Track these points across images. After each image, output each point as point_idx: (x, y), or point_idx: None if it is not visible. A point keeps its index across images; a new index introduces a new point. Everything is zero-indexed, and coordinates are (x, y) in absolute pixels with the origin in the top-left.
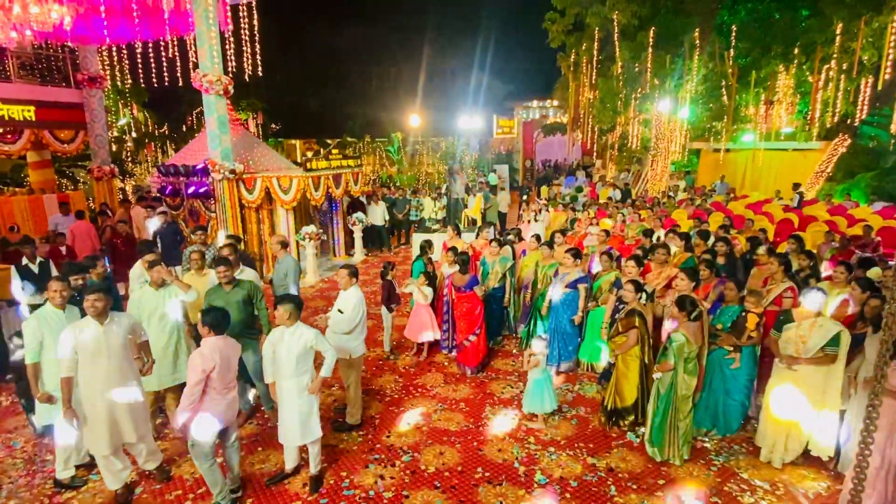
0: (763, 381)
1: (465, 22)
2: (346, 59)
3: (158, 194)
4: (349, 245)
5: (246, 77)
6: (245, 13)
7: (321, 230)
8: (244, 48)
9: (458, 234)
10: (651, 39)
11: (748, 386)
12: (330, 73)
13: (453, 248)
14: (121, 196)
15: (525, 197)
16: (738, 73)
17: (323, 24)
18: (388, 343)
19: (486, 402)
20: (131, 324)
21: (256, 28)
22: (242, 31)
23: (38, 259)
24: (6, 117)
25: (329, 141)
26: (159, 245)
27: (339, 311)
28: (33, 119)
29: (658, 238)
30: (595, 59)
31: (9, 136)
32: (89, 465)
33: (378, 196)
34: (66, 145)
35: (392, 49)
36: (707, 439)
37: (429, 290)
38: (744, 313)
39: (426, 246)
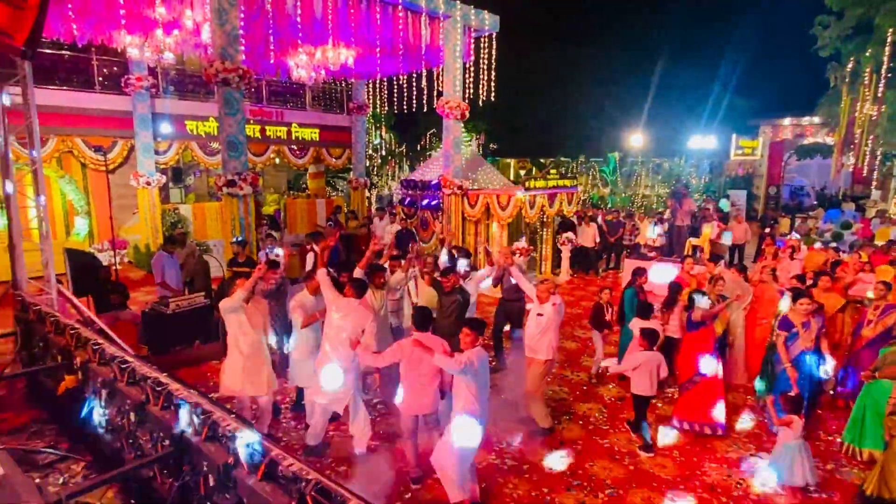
0: None
1: (701, 34)
2: (568, 79)
3: (396, 204)
4: (555, 263)
5: (480, 102)
6: (486, 44)
7: (531, 246)
8: (481, 76)
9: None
10: None
11: None
12: (550, 93)
13: (673, 284)
14: (367, 203)
15: (769, 230)
16: None
17: (547, 45)
18: (595, 366)
19: (705, 457)
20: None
21: (494, 57)
22: (482, 61)
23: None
24: (300, 138)
25: (543, 160)
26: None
27: (539, 314)
28: (318, 139)
29: None
30: (885, 67)
31: (298, 152)
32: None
33: (589, 217)
34: (335, 160)
35: (616, 67)
36: None
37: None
38: None
39: (638, 273)
